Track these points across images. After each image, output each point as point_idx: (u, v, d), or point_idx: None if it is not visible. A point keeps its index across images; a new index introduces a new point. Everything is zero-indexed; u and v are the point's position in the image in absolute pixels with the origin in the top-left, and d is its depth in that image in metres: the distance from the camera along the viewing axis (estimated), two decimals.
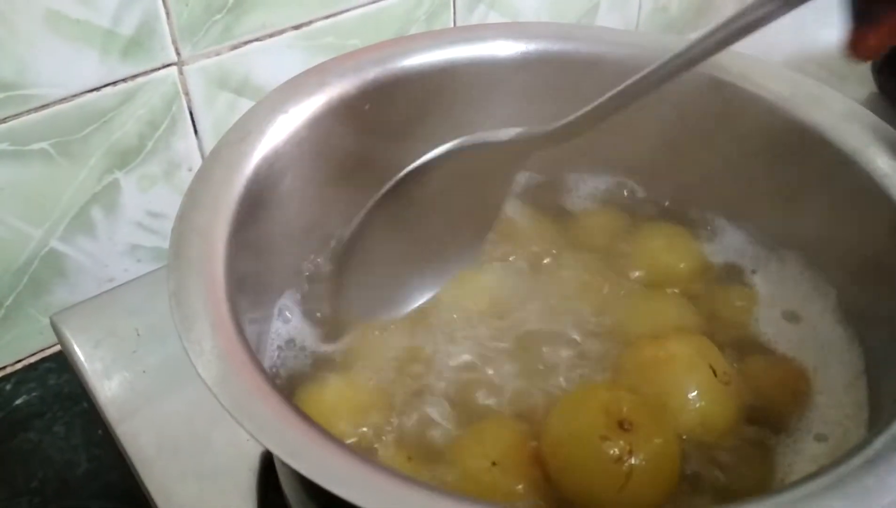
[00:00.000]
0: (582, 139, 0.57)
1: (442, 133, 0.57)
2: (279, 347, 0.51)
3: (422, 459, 0.45)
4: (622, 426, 0.42)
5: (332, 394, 0.48)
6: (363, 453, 0.40)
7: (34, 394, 0.71)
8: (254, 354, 0.38)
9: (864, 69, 0.87)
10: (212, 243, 0.42)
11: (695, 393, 0.46)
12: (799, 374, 0.50)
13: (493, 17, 0.86)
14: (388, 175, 0.57)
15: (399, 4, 0.78)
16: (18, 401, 0.70)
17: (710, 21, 1.07)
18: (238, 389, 0.35)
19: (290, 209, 0.50)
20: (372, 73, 0.52)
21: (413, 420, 0.47)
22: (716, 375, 0.46)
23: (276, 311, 0.52)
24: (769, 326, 0.52)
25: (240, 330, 0.39)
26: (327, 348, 0.51)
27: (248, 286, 0.44)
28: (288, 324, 0.52)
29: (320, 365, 0.50)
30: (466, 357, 0.50)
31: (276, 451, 0.33)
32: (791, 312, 0.53)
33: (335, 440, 0.34)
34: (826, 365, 0.49)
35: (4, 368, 0.72)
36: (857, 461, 0.34)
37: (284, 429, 0.34)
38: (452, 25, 0.83)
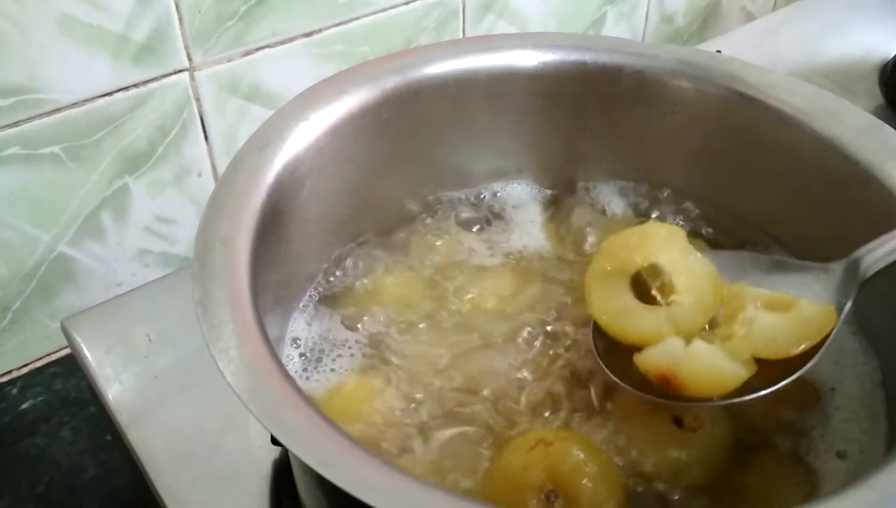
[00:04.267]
0: (598, 149, 0.58)
1: (460, 141, 0.57)
2: (298, 349, 0.51)
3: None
4: (549, 498, 0.42)
5: (351, 396, 0.48)
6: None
7: (40, 399, 0.70)
8: (281, 362, 0.38)
9: (872, 81, 0.87)
10: (235, 252, 0.42)
11: (659, 447, 0.46)
12: (804, 388, 0.50)
13: (501, 27, 0.86)
14: (406, 183, 0.57)
15: (409, 13, 0.78)
16: (25, 405, 0.70)
17: (715, 33, 1.07)
18: (268, 397, 0.35)
19: (311, 216, 0.50)
20: (391, 82, 0.52)
21: (435, 421, 0.48)
22: (682, 425, 0.46)
23: (295, 314, 0.52)
24: None
25: (266, 337, 0.39)
26: (346, 350, 0.51)
27: (269, 292, 0.45)
28: (307, 327, 0.52)
29: (339, 367, 0.50)
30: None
31: (308, 460, 0.33)
32: None
33: (365, 448, 0.34)
34: (842, 380, 0.49)
35: (11, 372, 0.72)
36: (885, 475, 0.34)
37: (315, 438, 0.34)
38: (461, 34, 0.83)
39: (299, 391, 0.36)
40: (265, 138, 0.48)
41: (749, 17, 1.11)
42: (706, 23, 1.06)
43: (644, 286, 0.47)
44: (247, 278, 0.41)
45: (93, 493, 0.65)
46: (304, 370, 0.50)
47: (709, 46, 0.93)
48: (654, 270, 0.47)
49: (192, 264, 0.41)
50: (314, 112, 0.50)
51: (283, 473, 0.54)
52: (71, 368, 0.71)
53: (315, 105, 0.50)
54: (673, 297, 0.46)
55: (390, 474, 0.34)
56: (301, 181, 0.48)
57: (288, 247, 0.48)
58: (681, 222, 0.58)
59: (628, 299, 0.47)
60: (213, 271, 0.41)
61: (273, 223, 0.45)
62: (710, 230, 0.58)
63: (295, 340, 0.51)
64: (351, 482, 0.33)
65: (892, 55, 0.88)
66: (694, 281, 0.46)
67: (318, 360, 0.50)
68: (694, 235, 0.58)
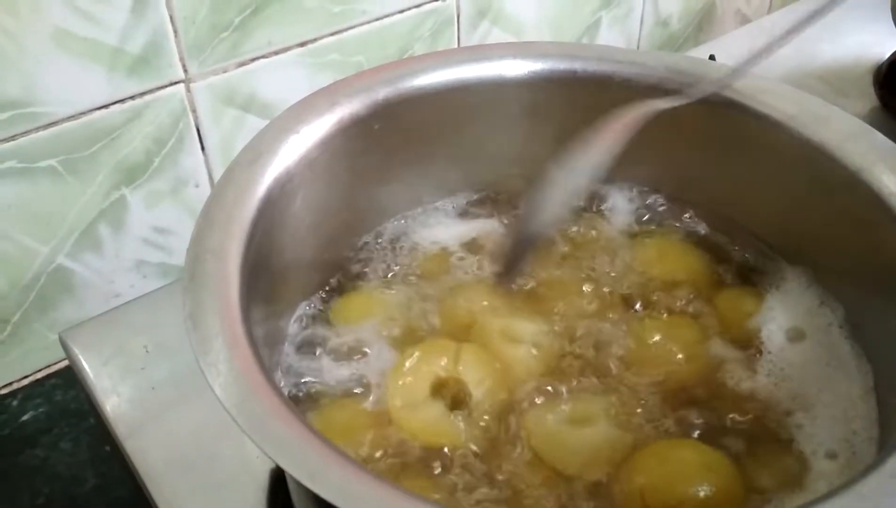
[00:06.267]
0: None
1: (451, 152, 0.57)
2: (290, 365, 0.51)
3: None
4: None
5: (343, 412, 0.48)
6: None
7: (41, 410, 0.71)
8: (270, 375, 0.38)
9: (866, 83, 0.87)
10: (226, 265, 0.42)
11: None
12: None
13: (496, 34, 0.86)
14: (397, 195, 0.57)
15: (403, 22, 0.78)
16: (25, 417, 0.70)
17: (710, 36, 1.07)
18: (256, 411, 0.35)
19: (302, 229, 0.51)
20: (381, 93, 0.53)
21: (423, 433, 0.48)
22: None
23: (287, 329, 0.52)
24: (772, 342, 0.53)
25: (255, 351, 0.39)
26: (338, 366, 0.51)
27: (260, 306, 0.45)
28: (298, 342, 0.52)
29: (330, 384, 0.50)
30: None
31: (297, 474, 0.33)
32: (796, 328, 0.53)
33: (354, 462, 0.34)
34: (832, 382, 0.50)
35: (11, 384, 0.72)
36: (874, 479, 0.34)
37: (303, 451, 0.34)
38: (456, 42, 0.83)
39: (289, 404, 0.36)
40: (256, 151, 0.48)
41: (744, 19, 1.11)
42: (701, 26, 1.06)
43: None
44: (237, 290, 0.41)
45: (92, 504, 0.65)
46: (295, 384, 0.50)
47: (704, 50, 0.93)
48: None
49: (183, 278, 0.41)
50: (305, 124, 0.50)
51: (280, 483, 0.54)
52: (71, 379, 0.71)
53: (306, 117, 0.50)
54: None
55: (380, 487, 0.34)
56: (292, 194, 0.49)
57: (280, 259, 0.49)
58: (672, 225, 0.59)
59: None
60: (203, 283, 0.41)
61: (264, 236, 0.46)
62: (701, 233, 0.58)
63: (286, 353, 0.51)
64: (340, 495, 0.33)
65: (887, 57, 0.88)
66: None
67: (309, 373, 0.51)
68: (684, 238, 0.58)
